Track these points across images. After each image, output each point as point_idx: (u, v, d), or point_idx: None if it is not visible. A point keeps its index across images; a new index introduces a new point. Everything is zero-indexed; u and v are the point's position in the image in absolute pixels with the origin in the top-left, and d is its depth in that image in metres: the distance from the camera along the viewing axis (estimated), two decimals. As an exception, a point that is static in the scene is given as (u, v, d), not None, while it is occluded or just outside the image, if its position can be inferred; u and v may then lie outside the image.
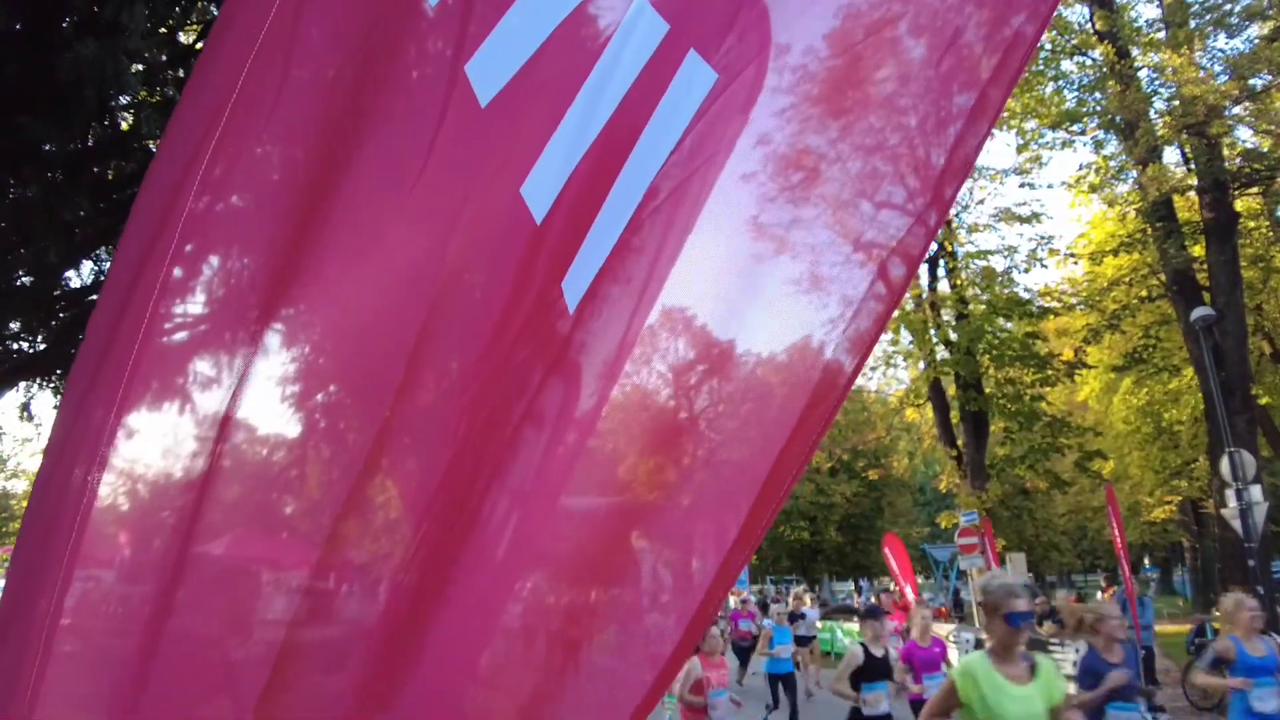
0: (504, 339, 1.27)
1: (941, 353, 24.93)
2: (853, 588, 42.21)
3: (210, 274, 1.33)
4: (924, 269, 26.11)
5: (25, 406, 9.88)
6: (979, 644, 15.31)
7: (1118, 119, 20.34)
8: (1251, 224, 21.94)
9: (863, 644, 7.08)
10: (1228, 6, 20.05)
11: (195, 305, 1.30)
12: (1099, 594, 19.37)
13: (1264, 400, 23.61)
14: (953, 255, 25.14)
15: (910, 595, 19.43)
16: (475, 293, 1.31)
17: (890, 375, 30.44)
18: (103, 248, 7.36)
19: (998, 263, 24.83)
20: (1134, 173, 20.85)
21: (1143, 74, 21.15)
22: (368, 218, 1.35)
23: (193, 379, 1.29)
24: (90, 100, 3.99)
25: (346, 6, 1.46)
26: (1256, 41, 19.98)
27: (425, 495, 1.27)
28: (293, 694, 1.24)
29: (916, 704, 7.67)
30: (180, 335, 1.29)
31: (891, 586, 27.30)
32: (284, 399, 1.31)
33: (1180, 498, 30.25)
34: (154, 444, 1.27)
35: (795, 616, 17.86)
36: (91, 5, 4.37)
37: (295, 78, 1.40)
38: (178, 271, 1.29)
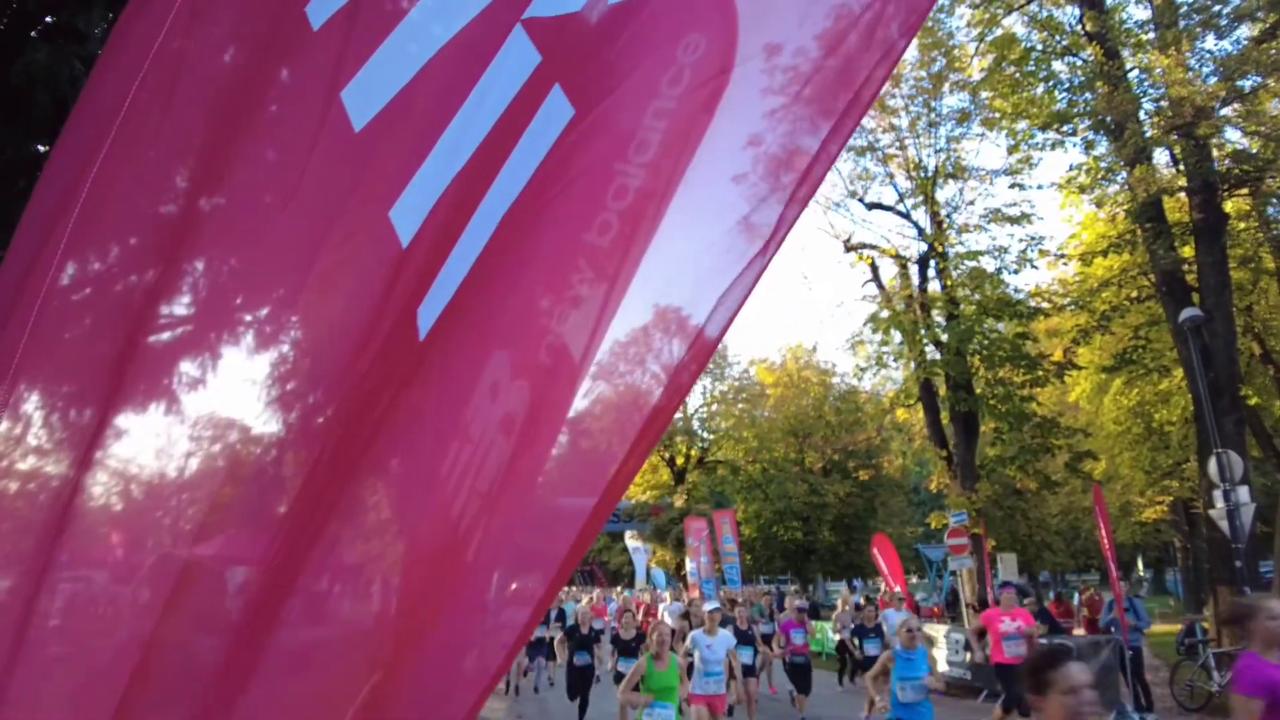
0: (359, 362, 1.30)
1: (932, 353, 25.04)
2: (846, 588, 42.33)
3: (96, 276, 1.37)
4: (914, 270, 26.24)
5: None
6: (966, 645, 15.32)
7: (1108, 120, 20.46)
8: (1241, 225, 22.02)
9: None
10: (1217, 8, 20.18)
11: (83, 304, 1.34)
12: (1075, 595, 19.44)
13: (1253, 401, 23.74)
14: (943, 256, 25.20)
15: (899, 592, 19.48)
16: (337, 313, 1.34)
17: (884, 376, 30.63)
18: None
19: (988, 263, 24.96)
20: (1123, 174, 20.98)
21: (1132, 75, 21.27)
22: (244, 235, 1.39)
23: (74, 377, 1.33)
24: (45, 106, 4.01)
25: (238, 21, 1.50)
26: (1245, 43, 20.12)
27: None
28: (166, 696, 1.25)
29: None
30: (67, 330, 1.33)
31: (883, 586, 27.40)
32: (167, 406, 1.34)
33: (1171, 498, 30.43)
34: (32, 439, 1.31)
35: (864, 630, 15.47)
36: (48, 10, 4.38)
37: (184, 91, 1.45)
38: (69, 269, 1.34)
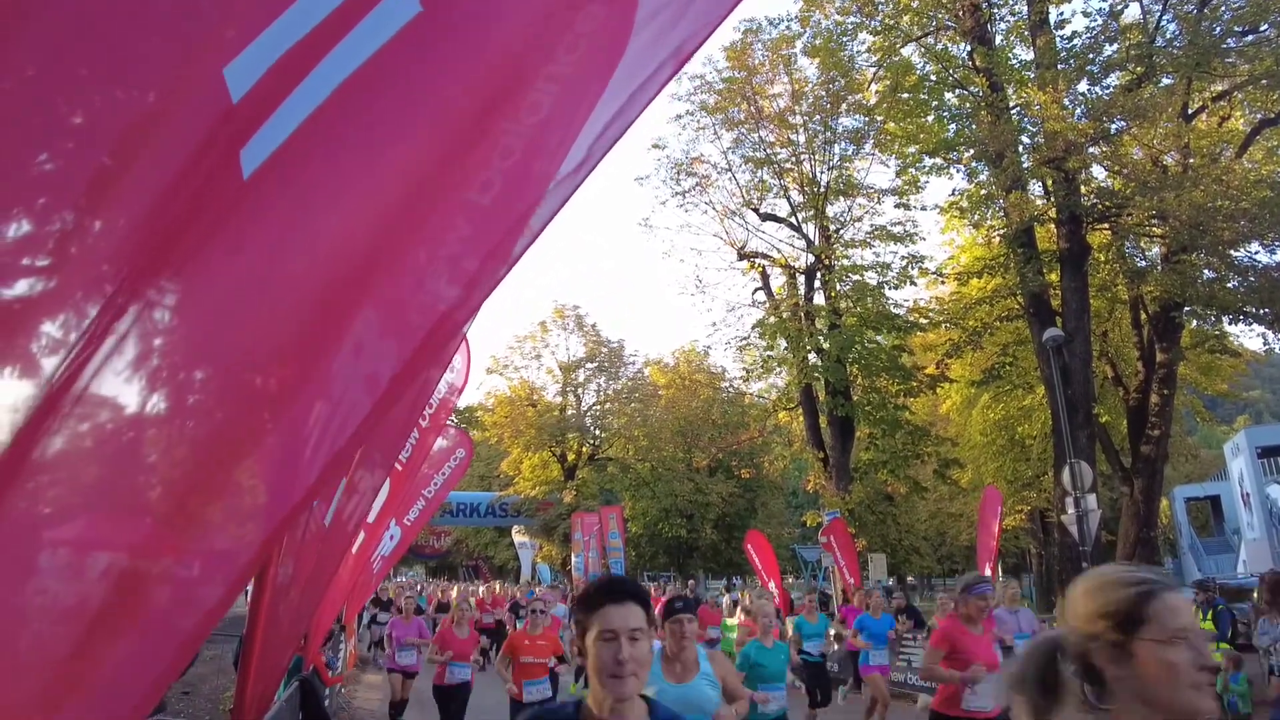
0: (172, 204, 1.22)
1: (814, 360, 25.91)
2: (725, 585, 43.27)
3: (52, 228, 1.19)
4: (802, 280, 27.19)
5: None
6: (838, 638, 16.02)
7: (989, 150, 21.66)
8: (1101, 256, 23.51)
9: None
10: (1091, 55, 21.74)
11: (37, 260, 1.16)
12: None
13: (1104, 419, 25.53)
14: (829, 269, 26.19)
15: (774, 590, 20.05)
16: (160, 158, 1.23)
17: (769, 383, 31.57)
18: None
19: (871, 278, 26.03)
20: (1001, 200, 22.27)
21: (1014, 111, 22.58)
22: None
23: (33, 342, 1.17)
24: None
25: None
26: (1113, 89, 21.72)
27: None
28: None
29: None
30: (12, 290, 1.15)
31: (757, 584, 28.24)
32: (138, 370, 1.23)
33: (1029, 507, 32.21)
34: None
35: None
36: None
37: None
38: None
